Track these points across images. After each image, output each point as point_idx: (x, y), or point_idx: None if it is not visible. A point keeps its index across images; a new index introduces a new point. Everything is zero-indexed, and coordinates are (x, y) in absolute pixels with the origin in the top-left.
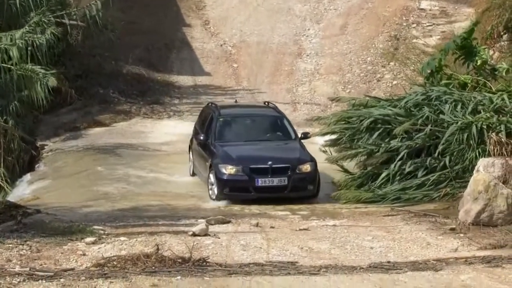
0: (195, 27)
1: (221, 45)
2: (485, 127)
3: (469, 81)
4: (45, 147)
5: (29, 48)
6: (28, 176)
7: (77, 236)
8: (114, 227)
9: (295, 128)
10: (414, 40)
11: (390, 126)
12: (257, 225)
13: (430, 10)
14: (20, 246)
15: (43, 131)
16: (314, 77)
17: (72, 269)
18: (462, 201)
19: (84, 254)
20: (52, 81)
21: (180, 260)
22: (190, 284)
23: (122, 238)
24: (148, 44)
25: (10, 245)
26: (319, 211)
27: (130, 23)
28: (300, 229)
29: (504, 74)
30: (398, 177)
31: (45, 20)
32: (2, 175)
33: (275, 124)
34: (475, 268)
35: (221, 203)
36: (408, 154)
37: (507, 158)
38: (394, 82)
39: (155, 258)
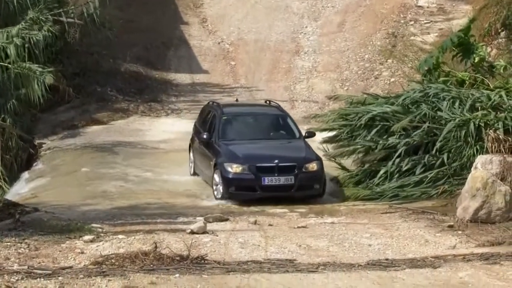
0: (193, 25)
1: (219, 43)
2: (483, 124)
3: (467, 78)
4: (43, 145)
5: (26, 45)
6: (26, 174)
7: (75, 234)
8: (112, 225)
9: None
10: (412, 38)
11: (388, 123)
12: (255, 222)
13: (427, 7)
14: (18, 244)
15: (41, 129)
16: (312, 75)
17: (70, 267)
18: (460, 198)
19: (82, 252)
20: (49, 79)
21: (178, 258)
22: (188, 282)
23: (120, 236)
24: (146, 42)
25: (8, 243)
26: (317, 209)
27: (128, 21)
28: (298, 227)
29: (501, 71)
30: (396, 175)
31: (43, 18)
32: (0, 173)
33: (279, 123)
34: (473, 265)
35: (222, 201)
36: (406, 151)
37: (505, 155)
38: (392, 80)
39: (153, 256)
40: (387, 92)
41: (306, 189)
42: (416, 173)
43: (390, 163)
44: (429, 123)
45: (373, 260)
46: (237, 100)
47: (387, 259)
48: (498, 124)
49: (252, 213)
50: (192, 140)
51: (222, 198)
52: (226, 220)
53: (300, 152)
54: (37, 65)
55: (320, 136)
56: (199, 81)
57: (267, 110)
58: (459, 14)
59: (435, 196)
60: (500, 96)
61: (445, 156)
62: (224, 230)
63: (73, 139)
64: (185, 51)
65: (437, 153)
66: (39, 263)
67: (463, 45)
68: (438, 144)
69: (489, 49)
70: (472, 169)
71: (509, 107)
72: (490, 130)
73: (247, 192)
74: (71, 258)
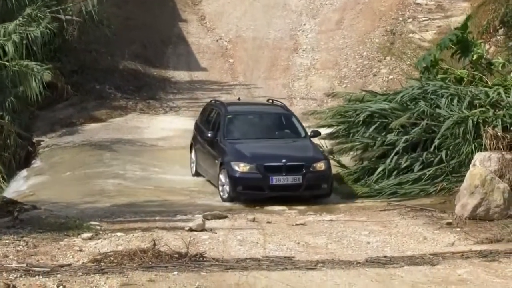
0: (191, 22)
1: (217, 40)
2: (481, 121)
3: (465, 75)
4: (42, 143)
5: (24, 42)
6: (24, 172)
7: (74, 232)
8: (110, 222)
9: None
10: (410, 35)
11: (386, 120)
12: (253, 220)
13: (426, 4)
14: (17, 242)
15: (39, 127)
16: (310, 72)
17: (69, 265)
18: (458, 196)
19: (80, 250)
20: (47, 76)
21: (177, 255)
22: (187, 279)
23: (119, 234)
24: (144, 39)
25: (7, 241)
26: (315, 206)
27: (126, 18)
28: (296, 224)
29: (500, 68)
30: (395, 172)
31: (41, 16)
32: None
33: (284, 122)
34: (471, 262)
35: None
36: (404, 148)
37: (503, 152)
38: (390, 77)
39: (151, 254)
40: (385, 89)
41: (314, 188)
42: (415, 170)
43: (388, 160)
44: (428, 120)
45: (372, 258)
46: (239, 98)
47: (385, 257)
48: (496, 121)
49: (250, 210)
50: (194, 139)
51: (229, 198)
52: (225, 217)
53: (307, 151)
54: (35, 63)
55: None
56: (197, 79)
57: (271, 109)
58: (457, 11)
59: (434, 194)
60: (499, 93)
61: (443, 154)
62: (223, 228)
63: (71, 137)
64: (184, 49)
65: (436, 150)
66: (38, 260)
67: (461, 42)
68: (436, 141)
69: (487, 47)
70: (470, 166)
71: (508, 104)
72: (489, 127)
73: (254, 192)
74: (69, 255)
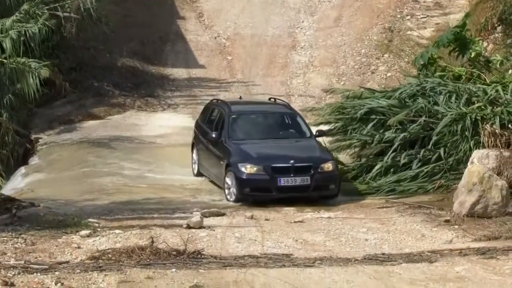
0: (189, 19)
1: (215, 38)
2: (479, 118)
3: (463, 73)
4: (40, 140)
5: (22, 39)
6: (22, 169)
7: (72, 229)
8: (108, 220)
9: None
10: (409, 32)
11: (384, 117)
12: (251, 217)
13: (424, 2)
14: (15, 239)
15: (37, 124)
16: (308, 70)
17: (67, 262)
18: (456, 193)
19: (79, 247)
20: (45, 73)
21: (175, 253)
22: (185, 277)
23: (117, 231)
24: (142, 36)
25: (5, 238)
26: (313, 204)
27: (125, 16)
28: (294, 222)
29: (498, 66)
30: (393, 169)
31: (39, 12)
32: None
33: (289, 122)
34: (469, 260)
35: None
36: (402, 145)
37: (501, 150)
38: (389, 74)
39: (150, 251)
40: (383, 86)
41: (322, 189)
42: (413, 168)
43: (386, 157)
44: (426, 117)
45: (370, 255)
46: (240, 97)
47: (383, 254)
48: (494, 119)
49: (248, 207)
50: (195, 139)
51: (236, 200)
52: (223, 214)
53: (314, 151)
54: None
55: (316, 130)
56: (195, 76)
57: (276, 108)
58: (456, 8)
59: (432, 191)
60: (497, 91)
61: (441, 151)
62: (221, 225)
63: (69, 134)
64: (182, 46)
65: (434, 147)
66: (36, 258)
67: (459, 40)
68: (434, 138)
69: (485, 44)
70: (468, 163)
71: (506, 102)
72: (487, 125)
73: (262, 193)
74: (67, 253)
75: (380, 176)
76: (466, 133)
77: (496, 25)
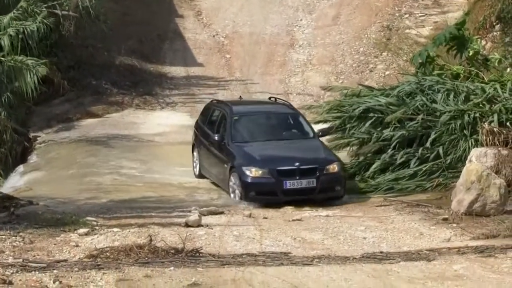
0: (188, 18)
1: (214, 36)
2: (478, 116)
3: (462, 71)
4: (38, 138)
5: (20, 37)
6: (21, 168)
7: (70, 228)
8: (107, 218)
9: None
10: (407, 31)
11: (382, 116)
12: (250, 215)
13: (422, 0)
14: (13, 237)
15: (35, 123)
16: (307, 68)
17: (65, 260)
18: (454, 191)
19: (77, 245)
20: (42, 70)
21: (173, 251)
22: (183, 275)
23: (115, 229)
24: (140, 35)
25: (3, 237)
26: (311, 202)
27: (123, 14)
28: (293, 220)
29: (496, 64)
30: (391, 167)
31: (37, 10)
32: None
33: (292, 122)
34: (468, 258)
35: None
36: (400, 144)
37: (499, 148)
38: (387, 73)
39: (148, 249)
40: (382, 85)
41: (328, 191)
42: (411, 166)
43: (384, 155)
44: (424, 114)
45: (368, 253)
46: (240, 97)
47: (381, 252)
48: (492, 117)
49: (247, 206)
50: (196, 140)
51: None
52: (221, 213)
53: (319, 153)
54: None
55: (315, 128)
56: (194, 74)
57: (278, 109)
58: (454, 7)
59: (430, 189)
60: (495, 89)
61: (440, 149)
62: (219, 223)
63: (68, 132)
64: (180, 44)
65: (432, 146)
66: (34, 256)
67: (457, 38)
68: (432, 136)
69: (483, 42)
70: (466, 162)
71: (504, 100)
72: (485, 123)
73: (267, 197)
74: (66, 251)
75: (378, 175)
76: (465, 131)
77: (494, 23)
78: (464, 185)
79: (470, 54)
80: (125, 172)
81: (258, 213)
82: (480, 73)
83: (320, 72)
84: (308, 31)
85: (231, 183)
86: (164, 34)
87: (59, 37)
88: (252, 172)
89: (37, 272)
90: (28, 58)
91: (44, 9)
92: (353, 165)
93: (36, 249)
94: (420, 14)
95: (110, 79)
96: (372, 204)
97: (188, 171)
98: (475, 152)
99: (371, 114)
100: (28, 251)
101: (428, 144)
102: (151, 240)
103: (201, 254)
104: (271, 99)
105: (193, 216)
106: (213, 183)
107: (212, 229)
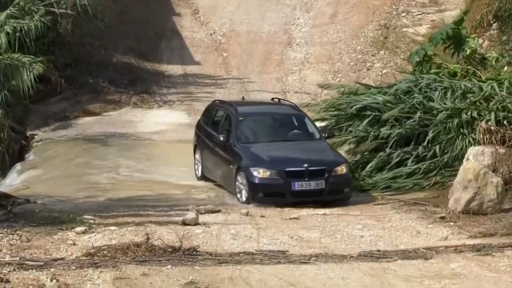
0: (185, 16)
1: (211, 34)
2: (475, 114)
3: (459, 70)
4: (35, 136)
5: (17, 34)
6: (18, 166)
7: (67, 226)
8: (104, 216)
9: None
10: (404, 29)
11: (380, 114)
12: (247, 214)
13: None
14: (10, 235)
15: (33, 121)
16: (304, 66)
17: (62, 259)
18: (452, 190)
19: (74, 244)
20: (39, 68)
21: (170, 249)
22: (180, 273)
23: (112, 228)
24: (138, 33)
25: (0, 235)
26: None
27: (121, 12)
28: (290, 218)
29: (493, 63)
30: (388, 166)
31: (34, 8)
32: None
33: (297, 123)
34: (465, 257)
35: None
36: (397, 142)
37: (496, 147)
38: (384, 71)
39: (145, 247)
40: (379, 83)
41: (336, 193)
42: (408, 165)
43: (381, 153)
44: (421, 112)
45: (365, 252)
46: (243, 98)
47: (379, 251)
48: (489, 115)
49: (244, 204)
50: (198, 141)
51: (247, 203)
52: (218, 211)
53: (327, 154)
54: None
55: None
56: (191, 73)
57: (283, 109)
58: (451, 5)
59: (427, 188)
60: (492, 88)
61: (437, 148)
62: (216, 222)
63: (65, 131)
64: (177, 43)
65: (429, 144)
66: (31, 254)
67: (455, 37)
68: (430, 135)
69: (481, 41)
70: (464, 160)
71: (501, 98)
72: (482, 122)
73: (276, 198)
74: (63, 249)
75: (376, 173)
76: (462, 129)
77: (491, 22)
78: (461, 183)
79: (468, 52)
80: (123, 171)
81: (255, 211)
82: (477, 71)
83: (317, 70)
84: (306, 30)
85: (237, 184)
86: (162, 33)
87: (56, 35)
88: (260, 173)
89: (34, 270)
90: (25, 56)
91: (41, 7)
92: (351, 164)
93: (33, 247)
94: (417, 13)
95: (107, 77)
96: (370, 202)
97: (186, 170)
98: (472, 151)
99: (368, 112)
100: (25, 249)
101: (425, 143)
102: (148, 238)
103: (198, 253)
104: (274, 99)
105: (190, 215)
106: (217, 184)
107: (209, 227)
